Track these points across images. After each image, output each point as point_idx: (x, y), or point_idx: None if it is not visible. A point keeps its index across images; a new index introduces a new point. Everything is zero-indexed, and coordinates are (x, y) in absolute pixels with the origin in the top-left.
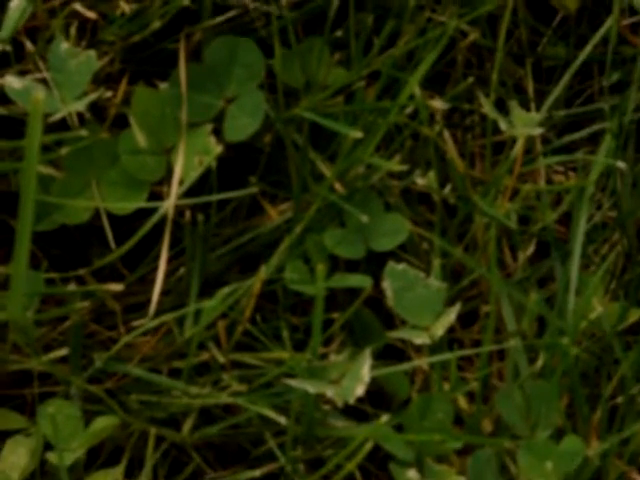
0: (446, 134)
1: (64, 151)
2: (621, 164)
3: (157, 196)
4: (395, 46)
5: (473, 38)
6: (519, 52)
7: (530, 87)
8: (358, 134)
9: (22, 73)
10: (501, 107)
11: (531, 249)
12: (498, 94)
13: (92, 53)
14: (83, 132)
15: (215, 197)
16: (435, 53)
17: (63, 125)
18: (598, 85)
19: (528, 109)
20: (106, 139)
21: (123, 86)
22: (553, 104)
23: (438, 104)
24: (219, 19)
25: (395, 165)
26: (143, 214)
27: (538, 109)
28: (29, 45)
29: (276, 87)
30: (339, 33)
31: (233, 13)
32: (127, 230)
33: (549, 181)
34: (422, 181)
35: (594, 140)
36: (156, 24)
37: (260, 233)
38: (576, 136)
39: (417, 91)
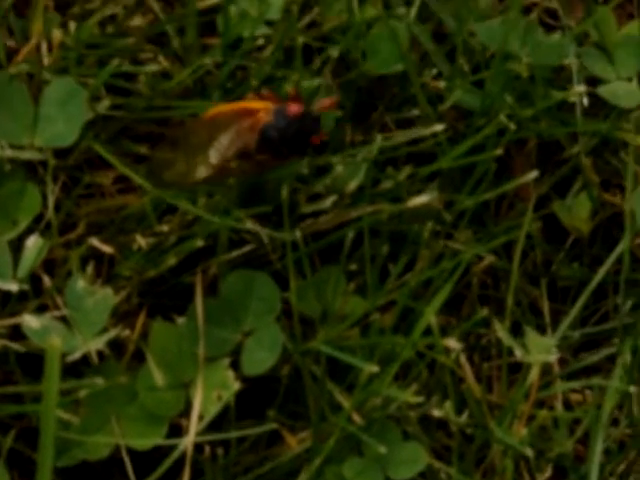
0: (462, 359)
1: (82, 394)
2: (634, 389)
3: (177, 428)
4: (411, 271)
5: (488, 262)
6: (534, 273)
7: (545, 307)
8: (374, 368)
9: (40, 308)
10: (517, 326)
11: (549, 472)
12: (513, 314)
13: (109, 291)
14: (99, 380)
15: (234, 434)
16: (451, 284)
17: (83, 360)
18: (613, 302)
19: (544, 329)
20: (124, 381)
21: (141, 320)
22: (569, 324)
23: (453, 343)
24: (235, 253)
25: (412, 397)
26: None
27: (554, 327)
28: (47, 280)
29: (292, 314)
30: (354, 266)
31: (248, 248)
32: (149, 460)
33: (566, 400)
34: (439, 413)
35: (612, 358)
36: (172, 260)
37: (280, 462)
38: (592, 359)
39: (433, 320)
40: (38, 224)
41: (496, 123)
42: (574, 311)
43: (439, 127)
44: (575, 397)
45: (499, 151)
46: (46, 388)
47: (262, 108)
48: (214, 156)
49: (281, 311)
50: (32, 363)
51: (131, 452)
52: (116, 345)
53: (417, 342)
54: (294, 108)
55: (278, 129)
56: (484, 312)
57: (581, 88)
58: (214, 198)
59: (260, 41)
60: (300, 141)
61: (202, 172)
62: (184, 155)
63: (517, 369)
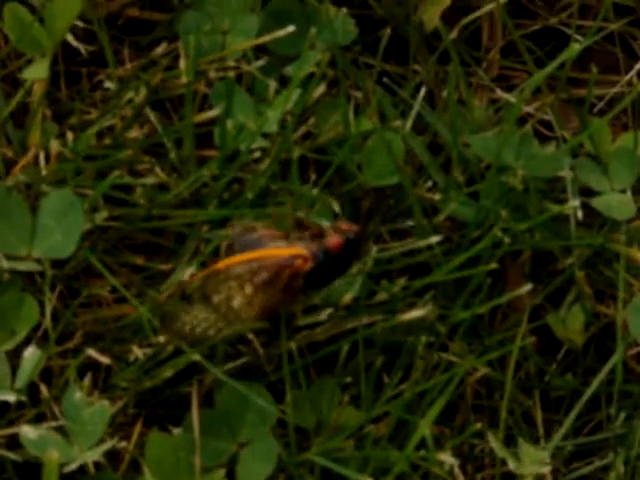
0: (456, 469)
1: None
2: None
3: None
4: (406, 382)
5: (482, 373)
6: (527, 383)
7: (539, 417)
8: None
9: (38, 417)
10: (511, 435)
11: None
12: (507, 423)
13: (106, 403)
14: None
15: None
16: (445, 397)
17: (79, 469)
18: (606, 413)
19: (537, 439)
20: None
21: (137, 430)
22: (562, 435)
23: (447, 458)
24: (230, 365)
25: None
26: None
27: (547, 437)
28: (44, 390)
29: (287, 423)
30: (349, 378)
31: (243, 360)
32: None
33: None
34: None
35: (605, 469)
36: (168, 372)
37: None
38: (585, 469)
39: (427, 432)
40: (35, 332)
41: (491, 236)
42: (567, 421)
43: (435, 239)
44: None
45: (493, 265)
46: None
47: (295, 256)
48: (260, 313)
49: (276, 421)
50: (29, 471)
51: None
52: (112, 455)
53: (411, 455)
54: (334, 241)
55: (325, 268)
56: (478, 425)
57: (576, 203)
58: None
59: (257, 154)
60: (348, 264)
61: (246, 327)
62: (209, 313)
63: (510, 479)
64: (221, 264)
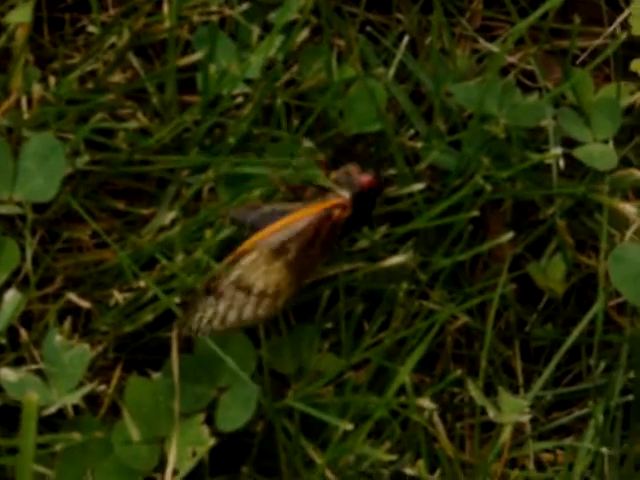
0: (435, 417)
1: (58, 447)
2: (606, 450)
3: None
4: (386, 330)
5: (462, 322)
6: (507, 332)
7: (518, 367)
8: (348, 426)
9: (17, 361)
10: (490, 385)
11: None
12: (487, 373)
13: (86, 346)
14: (75, 434)
15: None
16: (425, 345)
17: (58, 412)
18: (586, 363)
19: (516, 389)
20: (100, 435)
21: (117, 375)
22: (542, 385)
23: (427, 403)
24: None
25: (384, 455)
26: None
27: (527, 387)
28: (24, 333)
29: (268, 370)
30: (329, 324)
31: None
32: None
33: (538, 460)
34: (411, 471)
35: (584, 419)
36: (148, 316)
37: None
38: (565, 419)
39: (407, 379)
40: (16, 277)
41: (472, 184)
42: (547, 372)
43: (418, 186)
44: (547, 457)
45: (475, 212)
46: (23, 443)
47: (329, 208)
48: (300, 278)
49: (256, 367)
50: (7, 414)
51: None
52: (92, 398)
53: (391, 401)
54: (366, 179)
55: (358, 209)
56: (458, 372)
57: (557, 151)
58: (192, 255)
59: (239, 99)
60: (374, 202)
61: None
62: (239, 299)
63: (490, 428)
64: (247, 245)
